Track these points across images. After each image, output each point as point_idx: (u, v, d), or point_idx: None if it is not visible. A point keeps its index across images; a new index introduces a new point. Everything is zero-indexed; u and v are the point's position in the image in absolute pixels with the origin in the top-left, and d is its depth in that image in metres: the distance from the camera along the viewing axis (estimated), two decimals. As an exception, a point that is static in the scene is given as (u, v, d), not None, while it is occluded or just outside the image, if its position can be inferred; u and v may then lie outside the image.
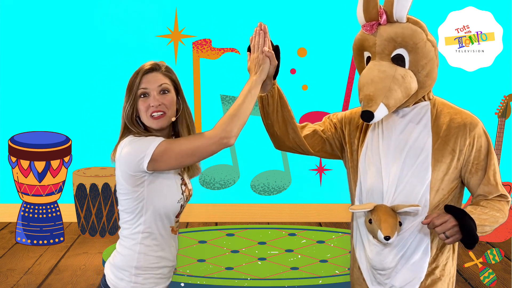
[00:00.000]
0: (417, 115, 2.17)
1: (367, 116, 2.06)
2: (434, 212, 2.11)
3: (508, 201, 2.18)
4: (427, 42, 2.10)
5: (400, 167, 2.13)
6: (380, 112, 2.06)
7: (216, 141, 2.04)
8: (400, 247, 2.14)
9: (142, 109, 2.17)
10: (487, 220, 2.09)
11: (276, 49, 2.19)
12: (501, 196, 2.16)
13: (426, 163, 2.12)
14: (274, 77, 2.22)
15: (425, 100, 2.19)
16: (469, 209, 2.08)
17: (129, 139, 2.15)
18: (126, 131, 2.19)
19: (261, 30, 2.16)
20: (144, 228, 2.16)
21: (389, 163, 2.15)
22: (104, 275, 2.25)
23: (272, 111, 2.25)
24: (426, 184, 2.11)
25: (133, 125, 2.18)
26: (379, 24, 2.11)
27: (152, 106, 2.16)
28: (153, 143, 2.08)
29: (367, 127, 2.26)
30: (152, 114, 2.16)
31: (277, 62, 2.18)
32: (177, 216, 2.25)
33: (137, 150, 2.08)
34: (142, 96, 2.17)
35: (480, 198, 2.15)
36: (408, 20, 2.11)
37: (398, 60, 2.10)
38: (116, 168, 2.16)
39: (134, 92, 2.17)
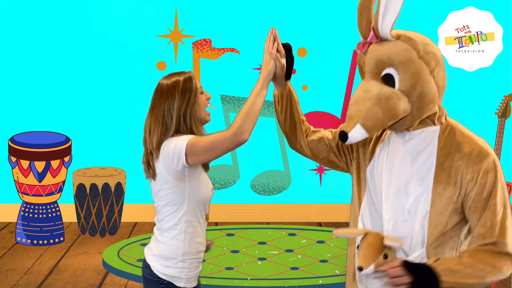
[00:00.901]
0: (423, 141, 2.01)
1: (342, 136, 1.99)
2: (432, 254, 1.98)
3: (508, 253, 1.94)
4: (417, 61, 1.94)
5: (399, 195, 2.02)
6: (356, 133, 1.96)
7: (231, 138, 2.30)
8: (382, 276, 2.02)
9: (202, 105, 2.47)
10: (463, 278, 1.91)
11: (288, 51, 2.33)
12: (495, 244, 1.92)
13: (426, 194, 1.98)
14: (287, 78, 2.32)
15: (435, 125, 2.02)
16: (440, 266, 1.92)
17: (170, 139, 2.40)
18: (174, 134, 2.41)
19: (272, 35, 2.28)
20: (187, 217, 2.44)
21: (390, 189, 2.04)
22: (147, 266, 2.48)
23: (281, 110, 2.30)
24: (425, 217, 1.98)
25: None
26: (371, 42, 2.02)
27: (208, 99, 2.50)
28: (186, 139, 2.37)
29: (375, 144, 2.15)
30: (207, 109, 2.50)
31: (282, 64, 2.29)
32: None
33: (177, 147, 2.36)
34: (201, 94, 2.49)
35: (474, 244, 1.96)
36: (400, 37, 1.97)
37: (388, 80, 1.97)
38: (159, 167, 2.41)
39: (195, 91, 2.44)
